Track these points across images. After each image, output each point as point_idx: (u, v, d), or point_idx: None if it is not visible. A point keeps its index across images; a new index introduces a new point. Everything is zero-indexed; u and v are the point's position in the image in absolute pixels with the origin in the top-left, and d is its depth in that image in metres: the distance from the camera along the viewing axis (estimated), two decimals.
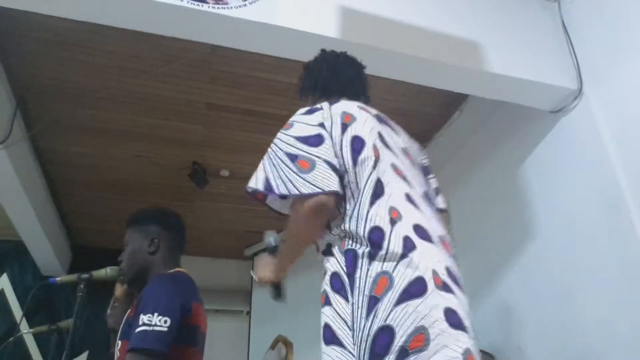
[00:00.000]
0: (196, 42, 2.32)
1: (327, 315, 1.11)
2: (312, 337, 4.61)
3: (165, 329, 1.29)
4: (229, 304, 5.30)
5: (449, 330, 1.02)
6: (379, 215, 1.15)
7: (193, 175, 3.89)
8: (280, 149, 1.31)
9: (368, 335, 1.02)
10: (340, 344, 1.06)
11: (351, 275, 1.11)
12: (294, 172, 1.21)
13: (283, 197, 1.31)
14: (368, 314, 1.04)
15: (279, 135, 1.37)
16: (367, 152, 1.25)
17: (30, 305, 4.26)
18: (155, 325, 1.29)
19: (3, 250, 4.69)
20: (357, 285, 1.09)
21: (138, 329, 1.29)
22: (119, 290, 1.63)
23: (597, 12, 2.40)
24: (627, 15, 2.23)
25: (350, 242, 1.16)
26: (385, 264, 1.09)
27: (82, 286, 1.53)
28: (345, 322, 1.07)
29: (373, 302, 1.05)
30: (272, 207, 1.41)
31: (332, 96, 1.45)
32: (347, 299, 1.09)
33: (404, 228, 1.14)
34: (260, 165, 1.32)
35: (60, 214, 4.40)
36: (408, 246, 1.11)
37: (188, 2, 1.91)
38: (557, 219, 2.49)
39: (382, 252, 1.10)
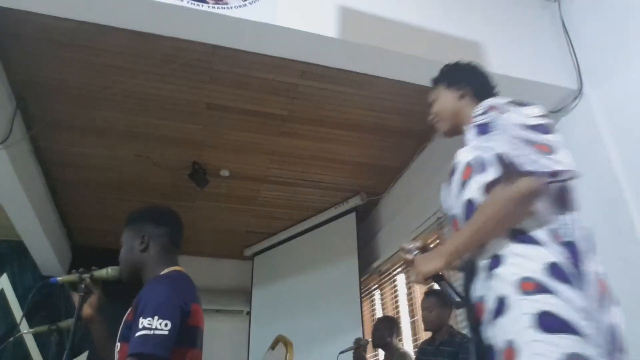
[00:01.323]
0: (196, 42, 2.32)
1: (546, 302, 1.08)
2: (312, 337, 4.64)
3: (166, 332, 1.27)
4: (229, 304, 5.30)
5: None
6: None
7: (193, 175, 3.89)
8: (510, 131, 1.23)
9: (609, 327, 1.11)
10: (579, 333, 1.05)
11: (578, 267, 1.13)
12: (534, 154, 1.17)
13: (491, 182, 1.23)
14: (600, 307, 1.11)
15: (499, 118, 1.27)
16: None
17: (30, 305, 4.26)
18: (156, 329, 1.26)
19: (3, 250, 4.70)
20: (586, 278, 1.13)
21: (138, 333, 1.27)
22: (88, 310, 1.56)
23: (597, 12, 2.40)
24: (626, 15, 2.23)
25: (565, 235, 1.17)
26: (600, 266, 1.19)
27: (82, 286, 1.52)
28: (584, 312, 1.08)
29: (601, 298, 1.13)
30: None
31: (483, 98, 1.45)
32: (581, 289, 1.11)
33: None
34: (497, 138, 1.24)
35: (60, 214, 4.40)
36: None
37: (188, 2, 1.91)
38: None
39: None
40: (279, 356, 2.69)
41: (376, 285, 4.52)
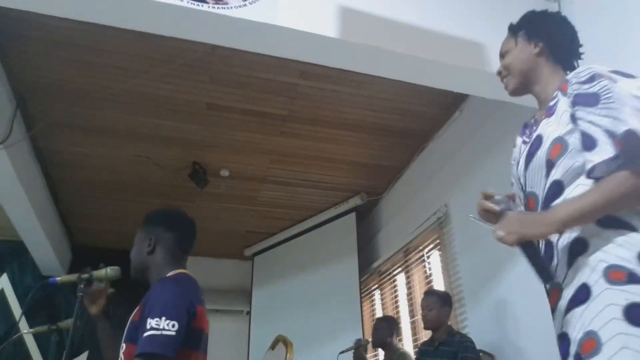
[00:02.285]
0: (196, 42, 2.32)
1: (638, 294, 0.97)
2: (312, 337, 4.63)
3: (174, 333, 1.29)
4: (229, 304, 5.30)
5: None
6: None
7: (193, 175, 3.89)
8: (630, 103, 1.06)
9: None
10: None
11: None
12: None
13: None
14: None
15: (614, 87, 1.08)
16: None
17: (30, 305, 4.26)
18: (164, 329, 1.28)
19: (3, 250, 4.69)
20: None
21: (146, 334, 1.28)
22: (95, 308, 1.59)
23: (597, 12, 2.40)
24: (627, 15, 2.23)
25: None
26: None
27: (82, 286, 1.52)
28: None
29: None
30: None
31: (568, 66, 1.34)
32: None
33: None
34: (621, 109, 1.05)
35: (60, 214, 4.40)
36: None
37: (188, 2, 1.91)
38: None
39: None
40: (279, 356, 2.69)
41: (376, 285, 4.52)
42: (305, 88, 3.23)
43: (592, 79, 1.12)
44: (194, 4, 1.92)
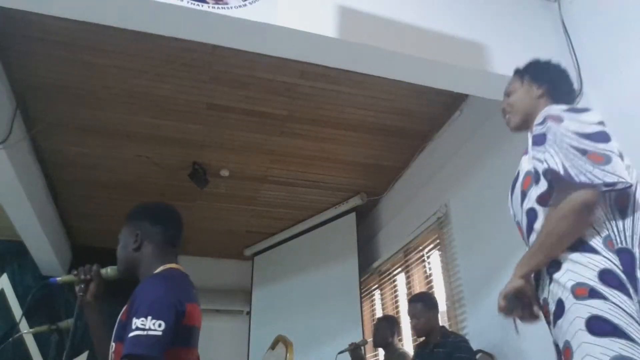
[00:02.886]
0: (196, 42, 2.32)
1: (597, 307, 1.13)
2: (312, 337, 4.62)
3: (160, 333, 1.25)
4: (229, 304, 5.30)
5: None
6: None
7: (193, 175, 3.89)
8: (563, 141, 1.25)
9: None
10: (628, 337, 1.10)
11: (631, 274, 1.16)
12: (588, 164, 1.20)
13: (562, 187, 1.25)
14: None
15: (555, 128, 1.28)
16: (627, 162, 1.30)
17: (30, 305, 4.26)
18: (150, 329, 1.24)
19: (3, 250, 4.70)
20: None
21: (132, 334, 1.25)
22: (87, 297, 1.55)
23: (597, 12, 2.39)
24: (626, 15, 2.23)
25: (619, 242, 1.21)
26: None
27: (82, 286, 1.52)
28: (633, 317, 1.11)
29: None
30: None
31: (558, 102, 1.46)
32: (630, 296, 1.14)
33: None
34: (550, 150, 1.26)
35: (60, 214, 4.40)
36: None
37: (188, 2, 1.91)
38: None
39: None
40: (279, 356, 2.69)
41: (376, 285, 4.52)
42: (305, 88, 3.23)
43: (544, 121, 1.33)
44: (194, 4, 1.92)
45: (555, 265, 1.24)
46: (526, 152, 1.41)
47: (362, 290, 4.38)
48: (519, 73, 1.59)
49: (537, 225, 1.32)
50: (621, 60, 2.24)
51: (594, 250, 1.20)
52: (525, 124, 1.51)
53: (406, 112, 3.49)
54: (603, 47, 2.35)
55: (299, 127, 3.60)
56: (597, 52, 2.39)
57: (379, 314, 4.34)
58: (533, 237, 1.34)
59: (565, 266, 1.22)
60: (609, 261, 1.18)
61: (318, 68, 2.82)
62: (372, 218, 4.76)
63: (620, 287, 1.14)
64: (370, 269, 4.44)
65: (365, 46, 2.17)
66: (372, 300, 4.62)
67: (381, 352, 3.47)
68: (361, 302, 4.23)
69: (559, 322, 1.20)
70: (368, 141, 3.80)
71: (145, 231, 1.52)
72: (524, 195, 1.37)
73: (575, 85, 2.42)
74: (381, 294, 4.46)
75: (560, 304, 1.20)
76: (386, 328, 3.18)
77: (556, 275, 1.23)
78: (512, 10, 2.57)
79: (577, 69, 2.45)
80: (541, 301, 1.31)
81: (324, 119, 3.52)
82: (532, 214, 1.34)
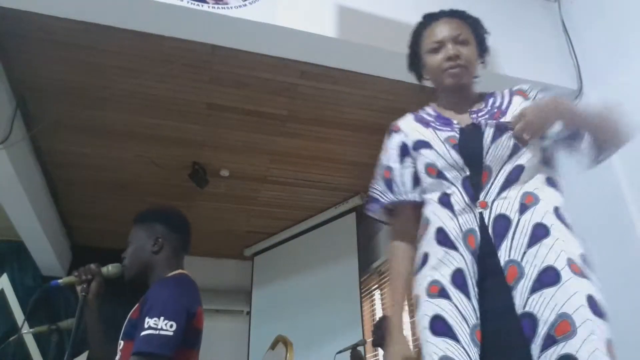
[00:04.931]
0: (196, 42, 2.32)
1: (592, 288, 1.11)
2: (312, 337, 4.61)
3: (171, 333, 1.29)
4: (229, 304, 5.30)
5: None
6: None
7: (193, 175, 3.89)
8: None
9: None
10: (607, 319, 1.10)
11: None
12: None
13: None
14: None
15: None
16: None
17: (31, 309, 4.26)
18: (162, 329, 1.28)
19: (3, 250, 4.69)
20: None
21: (144, 333, 1.29)
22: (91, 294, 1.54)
23: (597, 12, 2.40)
24: (626, 15, 2.23)
25: None
26: None
27: (84, 286, 1.52)
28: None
29: None
30: None
31: None
32: None
33: None
34: None
35: (60, 214, 4.40)
36: None
37: (188, 2, 1.91)
38: None
39: None
40: (279, 356, 2.69)
41: (376, 285, 4.52)
42: (305, 88, 3.23)
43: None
44: (194, 4, 1.92)
45: (542, 228, 1.14)
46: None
47: (362, 290, 4.38)
48: (471, 23, 1.44)
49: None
50: (621, 60, 2.25)
51: (575, 232, 1.21)
52: (468, 87, 1.40)
53: (406, 112, 3.48)
54: (603, 47, 2.36)
55: (299, 127, 3.60)
56: (597, 52, 2.39)
57: (379, 314, 4.34)
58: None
59: (554, 234, 1.15)
60: (582, 245, 1.19)
61: (318, 68, 2.82)
62: (372, 218, 4.75)
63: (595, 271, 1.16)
64: (370, 269, 4.44)
65: (365, 46, 2.17)
66: (372, 300, 4.62)
67: (381, 352, 3.47)
68: (361, 302, 4.23)
69: (547, 291, 1.08)
70: (368, 141, 3.79)
71: (166, 236, 1.55)
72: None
73: (576, 85, 2.44)
74: (381, 294, 4.45)
75: (550, 272, 1.10)
76: (386, 328, 3.17)
77: (545, 240, 1.13)
78: (512, 11, 2.58)
79: (577, 69, 2.45)
80: (503, 263, 1.15)
81: (324, 119, 3.52)
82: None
